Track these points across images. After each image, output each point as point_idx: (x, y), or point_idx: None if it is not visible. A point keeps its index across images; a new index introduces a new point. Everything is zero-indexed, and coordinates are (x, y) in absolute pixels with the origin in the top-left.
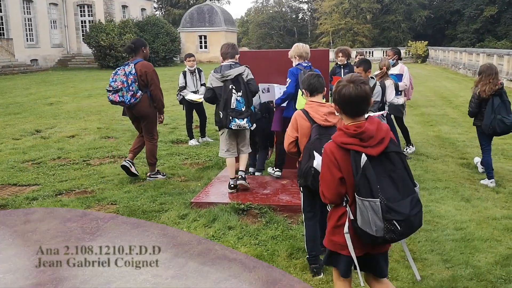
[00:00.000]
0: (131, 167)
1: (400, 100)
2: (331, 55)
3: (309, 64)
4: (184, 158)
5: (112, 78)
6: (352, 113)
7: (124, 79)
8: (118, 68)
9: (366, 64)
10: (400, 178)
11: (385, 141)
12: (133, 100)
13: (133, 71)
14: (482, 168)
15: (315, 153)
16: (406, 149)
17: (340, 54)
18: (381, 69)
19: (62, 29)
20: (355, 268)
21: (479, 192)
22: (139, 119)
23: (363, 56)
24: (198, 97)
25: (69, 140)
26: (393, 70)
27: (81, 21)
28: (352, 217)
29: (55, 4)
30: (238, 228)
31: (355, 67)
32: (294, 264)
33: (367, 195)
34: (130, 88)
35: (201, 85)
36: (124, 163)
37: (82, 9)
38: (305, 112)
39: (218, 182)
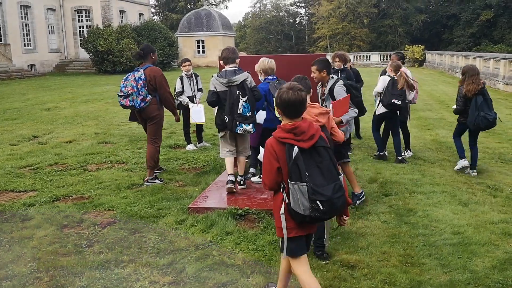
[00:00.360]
0: (154, 181)
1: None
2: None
3: (275, 76)
4: (182, 163)
5: (123, 84)
6: (290, 115)
7: (134, 84)
8: (129, 74)
9: (320, 64)
10: (326, 168)
11: (315, 137)
12: (143, 104)
13: (143, 76)
14: (473, 172)
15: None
16: (404, 153)
17: (337, 59)
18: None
19: (60, 34)
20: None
21: (476, 196)
22: (146, 121)
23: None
24: (203, 121)
25: (67, 145)
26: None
27: (79, 26)
28: (287, 201)
29: (53, 10)
30: (236, 233)
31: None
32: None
33: (297, 180)
34: (140, 92)
35: (198, 90)
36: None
37: (79, 14)
38: None
39: (216, 187)
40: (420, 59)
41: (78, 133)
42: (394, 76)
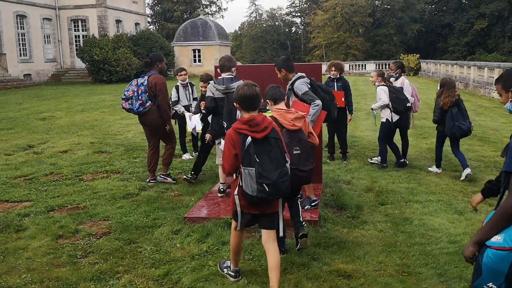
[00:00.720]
0: (166, 178)
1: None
2: (324, 68)
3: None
4: (178, 172)
5: (127, 88)
6: (246, 108)
7: (135, 89)
8: (134, 79)
9: (276, 64)
10: (275, 156)
11: (267, 129)
12: (141, 109)
13: (145, 83)
14: (465, 176)
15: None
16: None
17: (333, 68)
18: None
19: (56, 43)
20: (244, 226)
21: None
22: (149, 128)
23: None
24: (199, 130)
25: (62, 155)
26: (395, 84)
27: (75, 35)
28: (241, 184)
29: (49, 19)
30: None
31: None
32: (288, 279)
33: (248, 165)
34: (140, 97)
35: (193, 99)
36: (159, 178)
37: (76, 24)
38: (275, 119)
39: (211, 197)
40: (415, 68)
41: (74, 142)
42: (384, 83)
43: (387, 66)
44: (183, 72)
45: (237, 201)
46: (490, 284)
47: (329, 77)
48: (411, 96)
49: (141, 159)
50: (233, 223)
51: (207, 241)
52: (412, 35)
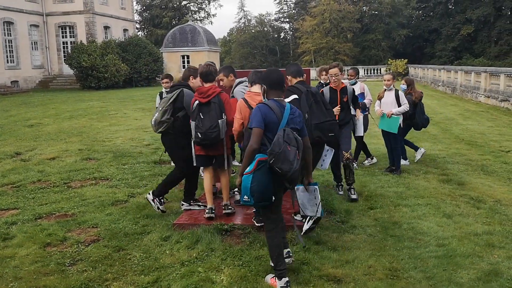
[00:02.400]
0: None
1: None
2: (313, 74)
3: None
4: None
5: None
6: (204, 80)
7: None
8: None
9: (221, 71)
10: (213, 114)
11: (210, 96)
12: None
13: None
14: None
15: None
16: (369, 161)
17: (324, 73)
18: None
19: (43, 50)
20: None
21: (460, 208)
22: None
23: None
24: None
25: (50, 162)
26: (355, 89)
27: (63, 42)
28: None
29: (36, 26)
30: (222, 249)
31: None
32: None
33: (193, 120)
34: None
35: None
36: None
37: (63, 30)
38: (245, 101)
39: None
40: (403, 72)
41: (62, 149)
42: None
43: (375, 72)
44: (166, 80)
45: (193, 148)
46: (245, 197)
47: (320, 82)
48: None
49: (129, 165)
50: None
51: (196, 248)
52: (399, 40)
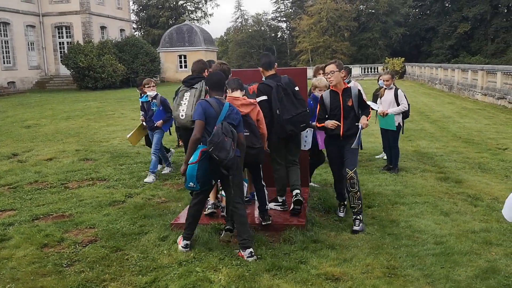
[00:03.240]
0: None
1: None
2: (309, 73)
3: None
4: (164, 179)
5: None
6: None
7: None
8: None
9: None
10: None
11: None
12: None
13: None
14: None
15: None
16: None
17: (320, 72)
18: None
19: (40, 50)
20: None
21: (458, 206)
22: None
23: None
24: None
25: (47, 163)
26: None
27: (59, 42)
28: None
29: (33, 26)
30: (219, 249)
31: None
32: (277, 284)
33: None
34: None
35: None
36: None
37: (60, 30)
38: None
39: None
40: (400, 71)
41: (59, 150)
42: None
43: (373, 70)
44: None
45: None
46: (191, 184)
47: None
48: None
49: (127, 166)
50: None
51: (193, 247)
52: (396, 38)
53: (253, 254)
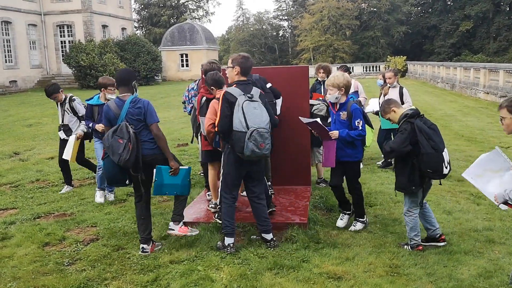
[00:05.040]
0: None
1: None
2: (311, 72)
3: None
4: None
5: (183, 94)
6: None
7: (186, 94)
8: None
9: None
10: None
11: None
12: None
13: (195, 87)
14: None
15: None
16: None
17: (321, 71)
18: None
19: (42, 49)
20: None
21: (460, 204)
22: None
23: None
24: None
25: (48, 162)
26: None
27: (61, 41)
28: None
29: (34, 25)
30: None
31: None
32: (279, 282)
33: (201, 115)
34: (190, 100)
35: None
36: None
37: (61, 29)
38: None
39: (200, 201)
40: (402, 69)
41: None
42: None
43: (374, 69)
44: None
45: (200, 142)
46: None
47: (317, 79)
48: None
49: None
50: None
51: (195, 246)
52: (398, 37)
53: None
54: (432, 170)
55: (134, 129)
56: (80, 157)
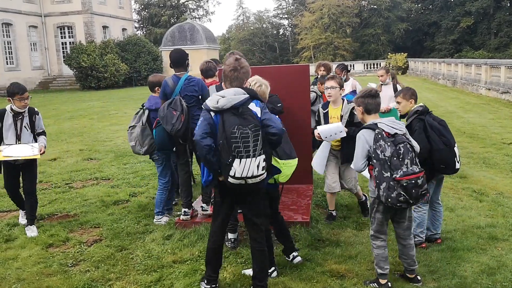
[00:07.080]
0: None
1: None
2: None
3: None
4: None
5: None
6: (204, 76)
7: None
8: None
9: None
10: None
11: None
12: None
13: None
14: None
15: None
16: None
17: (322, 68)
18: None
19: (43, 51)
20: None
21: (463, 201)
22: None
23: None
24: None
25: (51, 163)
26: (345, 87)
27: (62, 42)
28: None
29: (35, 27)
30: (224, 247)
31: None
32: (282, 281)
33: None
34: None
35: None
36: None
37: (62, 31)
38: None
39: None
40: (403, 66)
41: (63, 150)
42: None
43: (375, 66)
44: (26, 94)
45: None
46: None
47: (317, 77)
48: None
49: (131, 165)
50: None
51: (199, 246)
52: (399, 34)
53: None
54: (445, 166)
55: (186, 104)
56: (17, 186)
